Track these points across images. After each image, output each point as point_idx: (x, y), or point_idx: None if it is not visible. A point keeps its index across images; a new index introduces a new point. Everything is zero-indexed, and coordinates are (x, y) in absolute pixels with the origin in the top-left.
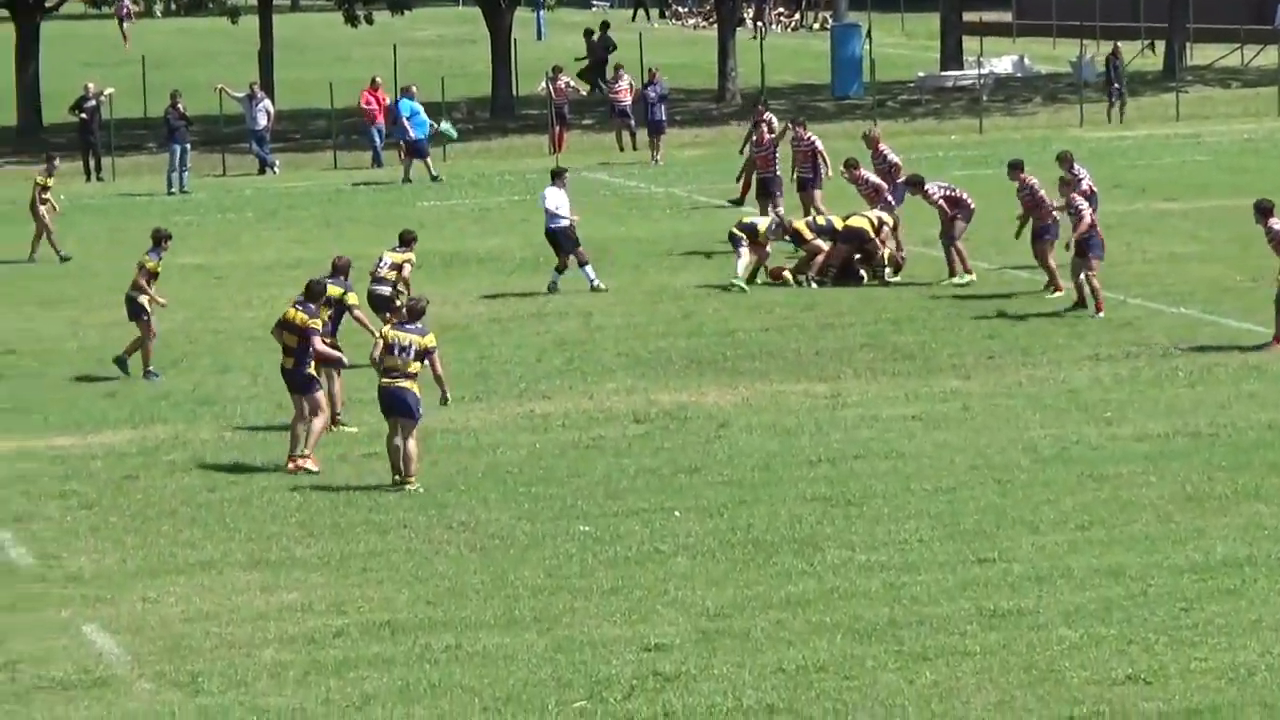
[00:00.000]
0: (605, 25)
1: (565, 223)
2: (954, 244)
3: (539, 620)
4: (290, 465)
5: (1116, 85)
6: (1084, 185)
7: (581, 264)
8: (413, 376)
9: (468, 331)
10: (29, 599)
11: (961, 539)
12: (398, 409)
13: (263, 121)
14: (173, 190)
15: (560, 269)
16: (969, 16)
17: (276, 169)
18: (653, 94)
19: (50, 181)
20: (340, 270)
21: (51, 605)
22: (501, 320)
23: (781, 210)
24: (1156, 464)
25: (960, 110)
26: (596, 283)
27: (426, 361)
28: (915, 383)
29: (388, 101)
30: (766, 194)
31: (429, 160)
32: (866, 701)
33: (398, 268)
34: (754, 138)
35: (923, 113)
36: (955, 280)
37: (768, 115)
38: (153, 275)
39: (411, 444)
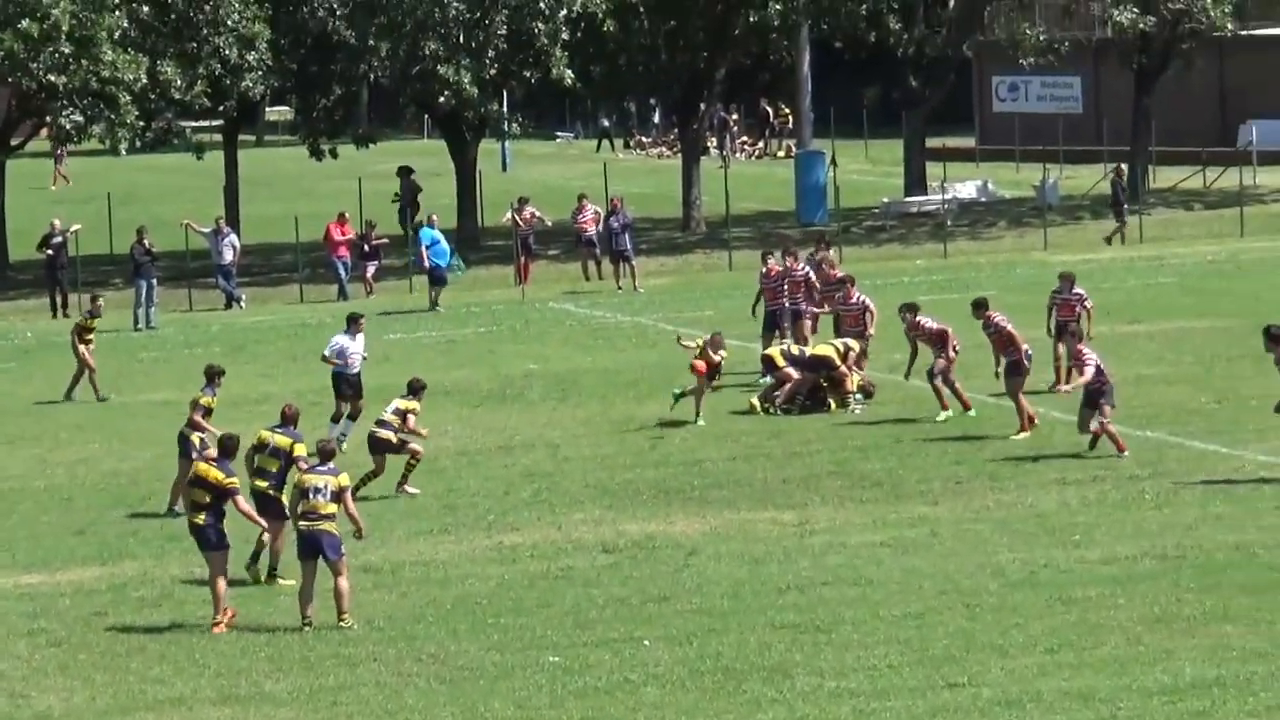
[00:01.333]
0: (408, 170)
1: (356, 370)
2: (934, 380)
3: None
4: (215, 630)
5: (1123, 205)
6: (1088, 304)
7: (351, 416)
8: (330, 518)
9: (435, 465)
10: None
11: (931, 664)
12: (317, 551)
13: (229, 256)
14: (139, 326)
15: (338, 417)
16: (932, 143)
17: (243, 303)
18: (616, 223)
19: (94, 324)
20: (289, 420)
21: None
22: (469, 453)
23: (788, 342)
24: (1124, 586)
25: (925, 235)
26: (344, 442)
27: (340, 501)
28: (883, 509)
29: (353, 235)
30: (773, 326)
31: (439, 292)
32: None
33: (402, 415)
34: (762, 269)
35: (888, 239)
36: (937, 417)
37: (776, 255)
38: (208, 411)
39: (343, 582)
